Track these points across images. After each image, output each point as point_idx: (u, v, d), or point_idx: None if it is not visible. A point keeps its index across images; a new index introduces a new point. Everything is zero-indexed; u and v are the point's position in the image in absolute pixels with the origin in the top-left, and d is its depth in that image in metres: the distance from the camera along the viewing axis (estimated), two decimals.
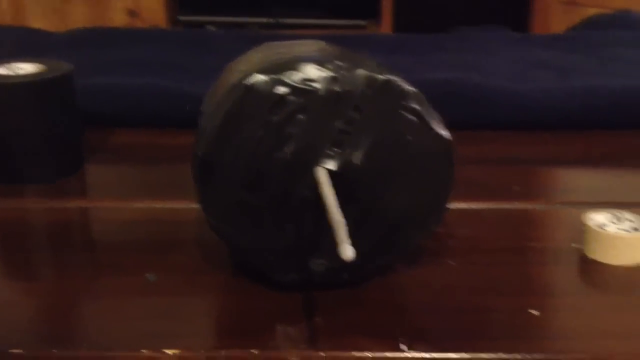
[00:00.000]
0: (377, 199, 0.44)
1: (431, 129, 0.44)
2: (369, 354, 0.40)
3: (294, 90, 0.42)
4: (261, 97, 0.42)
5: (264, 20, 1.99)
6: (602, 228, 0.50)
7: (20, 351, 0.40)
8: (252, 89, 0.42)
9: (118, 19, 1.96)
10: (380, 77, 0.43)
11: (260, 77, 0.42)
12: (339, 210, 0.39)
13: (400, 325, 0.43)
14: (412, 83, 0.44)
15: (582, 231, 0.51)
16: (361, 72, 0.43)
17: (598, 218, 0.51)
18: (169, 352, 0.40)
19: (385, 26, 1.96)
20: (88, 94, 0.72)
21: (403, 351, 0.40)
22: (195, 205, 0.46)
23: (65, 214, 0.58)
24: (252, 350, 0.40)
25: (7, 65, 0.63)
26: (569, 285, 0.48)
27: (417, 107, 0.43)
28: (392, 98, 0.43)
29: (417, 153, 0.44)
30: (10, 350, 0.40)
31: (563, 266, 0.50)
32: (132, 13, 1.93)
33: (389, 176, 0.43)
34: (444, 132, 0.44)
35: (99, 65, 0.85)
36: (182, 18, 2.00)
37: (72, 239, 0.55)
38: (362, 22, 2.02)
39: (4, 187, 0.61)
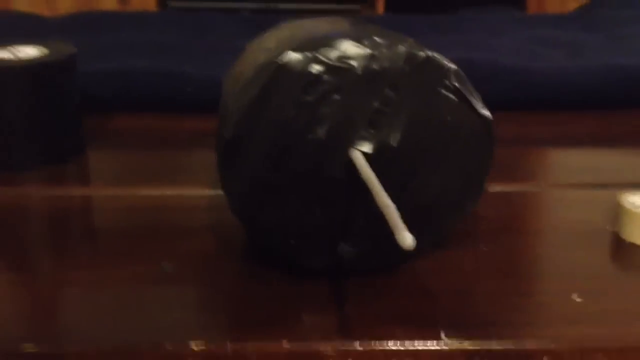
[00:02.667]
0: (413, 180, 0.41)
1: (472, 108, 0.41)
2: (407, 344, 0.38)
3: (330, 68, 0.39)
4: (294, 75, 0.39)
5: (256, 5, 1.95)
6: (639, 209, 0.48)
7: (32, 345, 0.38)
8: (285, 67, 0.39)
9: (108, 5, 1.92)
10: (421, 53, 0.40)
11: (293, 55, 0.39)
12: (386, 194, 0.36)
13: (435, 312, 0.40)
14: None
15: (617, 213, 0.48)
16: (401, 48, 0.40)
17: (635, 199, 0.49)
18: (194, 345, 0.38)
19: (380, 10, 1.93)
20: (87, 78, 0.69)
21: (443, 340, 0.38)
22: (205, 191, 0.43)
23: (68, 202, 0.55)
24: (283, 342, 0.38)
25: (8, 48, 0.60)
26: (606, 269, 0.46)
27: (457, 85, 0.41)
28: (432, 76, 0.40)
29: (457, 133, 0.41)
30: (19, 345, 0.38)
31: (598, 249, 0.47)
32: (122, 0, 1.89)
33: (426, 157, 0.41)
34: (485, 112, 0.42)
35: (95, 49, 0.82)
36: (173, 4, 1.96)
37: (77, 227, 0.52)
38: (355, 7, 1.99)
39: (4, 173, 0.58)
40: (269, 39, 0.44)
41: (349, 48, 0.40)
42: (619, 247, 0.47)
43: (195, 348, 0.38)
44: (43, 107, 0.58)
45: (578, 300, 0.41)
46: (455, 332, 0.38)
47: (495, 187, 0.55)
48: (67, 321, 0.40)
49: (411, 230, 0.42)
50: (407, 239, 0.33)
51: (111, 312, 0.41)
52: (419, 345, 0.38)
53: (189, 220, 0.51)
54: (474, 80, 0.70)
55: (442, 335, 0.38)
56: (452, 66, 0.41)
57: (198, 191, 0.54)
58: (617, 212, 0.48)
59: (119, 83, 0.72)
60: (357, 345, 0.38)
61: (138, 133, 0.68)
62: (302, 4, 1.95)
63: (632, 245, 0.47)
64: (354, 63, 0.39)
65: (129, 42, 0.84)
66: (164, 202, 0.54)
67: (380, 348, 0.38)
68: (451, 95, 0.41)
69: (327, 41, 0.40)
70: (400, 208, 0.41)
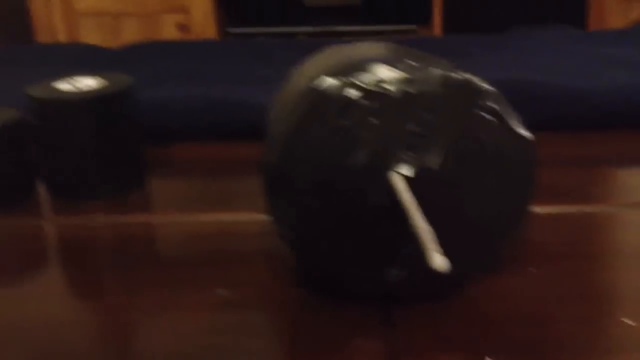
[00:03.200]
0: (456, 204, 0.41)
1: (511, 129, 0.41)
2: None
3: (366, 93, 0.40)
4: (332, 101, 0.40)
5: (312, 29, 1.97)
6: None
7: None
8: (322, 93, 0.40)
9: (169, 33, 1.97)
10: (456, 76, 0.41)
11: (330, 81, 0.40)
12: (422, 217, 0.36)
13: (485, 338, 0.40)
14: None
15: None
16: (435, 71, 0.40)
17: None
18: None
19: (437, 30, 1.93)
20: (148, 108, 0.72)
21: None
22: (260, 217, 0.44)
23: (130, 229, 0.57)
24: None
25: (69, 80, 0.63)
26: None
27: (495, 106, 0.41)
28: (468, 98, 0.41)
29: (497, 155, 0.41)
30: None
31: None
32: (182, 27, 1.94)
33: (468, 180, 0.41)
34: (525, 133, 0.41)
35: (154, 78, 0.84)
36: (232, 30, 2.00)
37: (137, 254, 0.53)
38: (412, 27, 2.00)
39: (69, 203, 0.60)
40: (310, 66, 0.45)
41: (384, 72, 0.40)
42: None
43: None
44: (102, 137, 0.60)
45: (632, 324, 0.41)
46: (502, 358, 0.38)
47: (539, 209, 0.54)
48: (123, 345, 0.42)
49: (457, 255, 0.42)
50: (438, 261, 0.33)
51: (165, 337, 0.42)
52: None
53: (244, 246, 0.52)
54: (523, 100, 0.70)
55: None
56: (489, 88, 0.41)
57: (253, 216, 0.55)
58: None
59: (180, 113, 0.74)
60: None
61: (197, 161, 0.70)
62: (357, 27, 1.96)
63: None
64: (389, 87, 0.40)
65: (187, 71, 0.87)
66: (220, 227, 0.56)
67: None
68: (489, 117, 0.41)
69: (362, 66, 0.41)
70: (447, 232, 0.41)
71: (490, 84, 0.42)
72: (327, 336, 0.41)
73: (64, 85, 0.62)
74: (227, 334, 0.42)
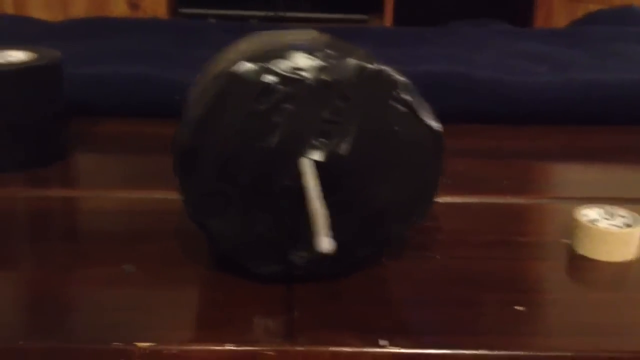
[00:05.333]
0: (361, 189, 0.43)
1: (421, 120, 0.42)
2: (347, 349, 0.39)
3: (282, 78, 0.41)
4: (247, 85, 0.41)
5: (265, 14, 1.97)
6: (593, 224, 0.48)
7: None
8: (237, 76, 0.41)
9: (119, 10, 1.94)
10: (371, 66, 0.42)
11: (247, 65, 0.41)
12: (321, 201, 0.37)
13: (381, 319, 0.42)
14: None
15: (572, 226, 0.49)
16: (351, 61, 0.41)
17: (590, 213, 0.50)
18: (141, 345, 0.39)
19: (387, 21, 1.94)
20: (76, 83, 0.71)
21: (382, 346, 0.39)
22: (178, 196, 0.45)
23: (46, 203, 0.57)
24: (227, 345, 0.39)
25: None
26: (556, 281, 0.47)
27: (407, 97, 0.42)
28: (381, 88, 0.42)
29: (406, 144, 0.42)
30: None
31: (551, 261, 0.48)
32: (133, 5, 1.92)
33: (375, 167, 0.42)
34: (434, 124, 0.43)
35: (92, 54, 0.84)
36: (183, 10, 1.99)
37: (51, 228, 0.53)
38: (364, 17, 2.01)
39: None
40: (232, 50, 0.46)
41: (301, 60, 0.41)
42: (572, 259, 0.48)
43: (142, 347, 0.39)
44: (26, 109, 0.60)
45: (522, 310, 0.42)
46: (398, 339, 0.40)
47: (451, 198, 0.56)
48: (21, 318, 0.42)
49: (359, 237, 0.43)
50: (324, 243, 0.34)
51: (66, 311, 0.42)
52: (358, 351, 0.39)
53: (158, 224, 0.53)
54: (451, 92, 0.71)
55: (384, 342, 0.39)
56: (402, 79, 0.42)
57: (171, 195, 0.55)
58: (572, 226, 0.49)
59: (108, 90, 0.74)
60: (300, 349, 0.39)
61: (122, 138, 0.70)
62: (308, 13, 1.97)
63: (583, 257, 0.48)
64: (305, 74, 0.41)
65: (126, 49, 0.86)
66: (138, 205, 0.56)
67: (322, 352, 0.39)
68: (400, 107, 0.42)
69: (281, 52, 0.41)
70: (350, 216, 0.43)
71: (408, 75, 0.43)
72: (228, 315, 0.42)
73: None
74: (129, 310, 0.42)
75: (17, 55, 0.62)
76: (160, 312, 0.42)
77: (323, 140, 0.42)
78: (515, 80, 0.73)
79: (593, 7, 1.23)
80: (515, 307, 0.43)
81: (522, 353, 0.39)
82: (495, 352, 0.39)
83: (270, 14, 1.98)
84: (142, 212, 0.55)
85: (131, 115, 0.73)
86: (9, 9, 1.92)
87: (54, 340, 0.40)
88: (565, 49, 0.87)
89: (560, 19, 1.83)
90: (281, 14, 1.98)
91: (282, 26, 1.28)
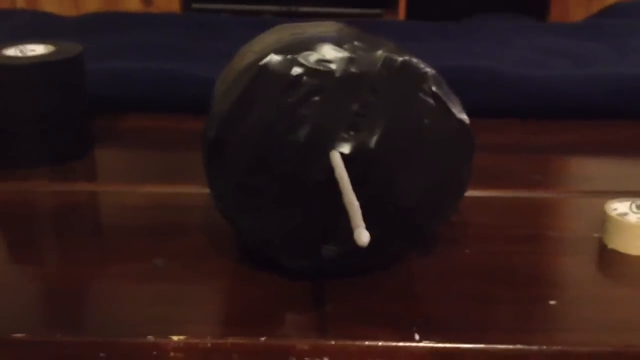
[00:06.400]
0: (392, 183, 0.42)
1: (450, 113, 0.42)
2: (380, 343, 0.39)
3: (310, 71, 0.40)
4: (275, 77, 0.40)
5: (278, 8, 1.97)
6: (623, 217, 0.48)
7: (23, 335, 0.39)
8: (266, 69, 0.40)
9: (132, 6, 1.94)
10: (399, 58, 0.41)
11: (275, 58, 0.41)
12: (354, 194, 0.37)
13: (412, 314, 0.41)
14: None
15: (603, 220, 0.49)
16: (379, 53, 0.41)
17: (620, 207, 0.49)
18: (175, 338, 0.39)
19: (402, 15, 1.94)
20: (98, 78, 0.71)
21: (416, 341, 0.39)
22: (204, 190, 0.44)
23: (73, 198, 0.57)
24: (260, 338, 0.39)
25: (18, 47, 0.62)
26: (587, 275, 0.46)
27: (435, 90, 0.42)
28: (409, 80, 0.41)
29: (435, 137, 0.42)
30: (13, 335, 0.39)
31: (582, 256, 0.48)
32: (146, 0, 1.92)
33: (405, 160, 0.42)
34: (464, 117, 0.42)
35: (109, 49, 0.84)
36: (196, 5, 1.99)
37: (79, 222, 0.53)
38: (377, 11, 2.00)
39: (10, 170, 0.60)
40: (258, 42, 0.46)
41: (329, 52, 0.41)
42: (603, 254, 0.48)
43: (176, 340, 0.39)
44: (50, 104, 0.60)
45: (553, 304, 0.42)
46: (429, 334, 0.39)
47: (481, 192, 0.56)
48: (56, 312, 0.42)
49: (390, 232, 0.43)
50: (362, 236, 0.34)
51: (100, 305, 0.42)
52: (392, 345, 0.39)
53: (186, 218, 0.53)
54: (475, 87, 0.71)
55: (416, 336, 0.39)
56: (430, 70, 0.42)
57: (198, 189, 0.55)
58: (603, 220, 0.49)
59: (129, 84, 0.74)
60: (333, 343, 0.39)
61: (145, 133, 0.70)
62: (321, 8, 1.96)
63: (614, 251, 0.48)
64: (333, 66, 0.41)
65: (143, 44, 0.86)
66: (164, 199, 0.56)
67: (355, 347, 0.39)
68: (429, 99, 0.42)
69: (309, 45, 0.41)
70: (380, 210, 0.43)
71: (435, 68, 0.43)
72: (260, 309, 0.42)
73: (11, 51, 0.61)
74: (161, 304, 0.42)
75: (37, 49, 0.62)
76: (192, 306, 0.42)
77: (352, 133, 0.41)
78: (540, 75, 0.73)
79: (610, 1, 1.23)
80: (549, 302, 0.42)
81: (555, 348, 0.39)
82: (528, 347, 0.39)
83: (284, 8, 1.98)
84: (168, 206, 0.55)
85: (152, 111, 0.73)
86: (21, 3, 1.92)
87: (89, 334, 0.40)
88: (586, 43, 0.86)
89: (578, 14, 1.82)
90: (294, 8, 1.98)
91: (295, 21, 1.28)
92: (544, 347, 0.39)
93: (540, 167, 0.63)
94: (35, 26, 0.98)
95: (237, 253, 0.47)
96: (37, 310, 0.42)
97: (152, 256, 0.47)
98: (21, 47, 0.62)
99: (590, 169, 0.64)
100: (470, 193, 0.46)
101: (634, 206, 0.50)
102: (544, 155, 0.65)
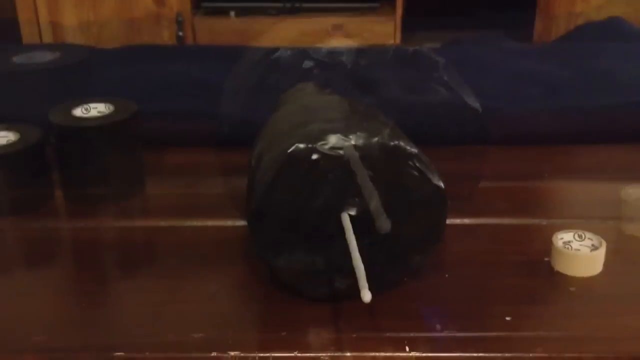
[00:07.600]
0: (388, 233, 0.57)
1: (430, 181, 0.57)
2: (384, 354, 0.54)
3: (325, 156, 0.56)
4: (299, 162, 0.55)
5: (282, 5, 2.09)
6: (567, 246, 0.63)
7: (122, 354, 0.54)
8: (292, 156, 0.55)
9: (144, 6, 2.06)
10: (391, 143, 0.56)
11: (299, 147, 0.56)
12: (360, 258, 0.52)
13: (407, 329, 0.56)
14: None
15: (551, 248, 0.64)
16: (376, 140, 0.56)
17: (565, 236, 0.64)
18: (232, 353, 0.54)
19: (399, 10, 2.05)
20: (147, 119, 0.85)
21: (406, 352, 0.54)
22: (240, 223, 0.59)
23: (130, 233, 0.71)
24: (295, 352, 0.54)
25: (82, 105, 0.77)
26: (539, 294, 0.61)
27: (419, 165, 0.57)
28: (399, 159, 0.56)
29: (419, 200, 0.57)
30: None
31: (536, 278, 0.63)
32: (158, 2, 2.04)
33: (397, 216, 0.57)
34: (440, 183, 0.57)
35: (152, 87, 0.97)
36: (205, 4, 2.11)
37: (136, 255, 0.68)
38: (374, 5, 2.12)
39: (81, 209, 0.75)
40: (283, 122, 0.61)
41: (339, 141, 0.56)
42: (551, 275, 0.63)
43: (232, 355, 0.54)
44: (111, 155, 0.75)
45: (507, 319, 0.57)
46: (422, 345, 0.54)
47: (456, 220, 0.71)
48: (145, 332, 0.57)
49: (389, 266, 0.58)
50: (366, 296, 0.49)
51: (169, 326, 0.57)
52: (390, 356, 0.54)
53: (226, 250, 0.67)
54: (456, 122, 0.85)
55: (407, 349, 0.54)
56: (414, 150, 0.57)
57: (234, 222, 0.70)
58: (551, 248, 0.64)
59: (170, 123, 0.88)
60: (348, 354, 0.54)
61: (185, 168, 0.84)
62: (324, 3, 2.08)
63: (560, 273, 0.63)
64: (341, 152, 0.56)
65: (183, 79, 0.99)
66: (207, 233, 0.71)
67: (367, 357, 0.54)
68: (414, 172, 0.57)
69: (323, 136, 0.56)
70: (379, 251, 0.57)
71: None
72: (290, 326, 0.57)
73: (78, 111, 0.76)
74: (216, 326, 0.57)
75: (97, 107, 0.77)
76: (239, 326, 0.57)
77: (357, 199, 0.56)
78: (514, 109, 0.86)
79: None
80: (506, 318, 0.57)
81: (513, 355, 0.54)
82: (499, 355, 0.54)
83: (288, 5, 2.10)
84: (211, 240, 0.69)
85: (192, 145, 0.87)
86: (43, 10, 2.05)
87: (172, 351, 0.55)
88: (557, 70, 0.99)
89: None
90: (297, 4, 2.10)
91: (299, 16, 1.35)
92: (507, 354, 0.54)
93: (505, 195, 0.77)
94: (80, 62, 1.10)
95: (269, 281, 0.62)
96: (127, 329, 0.57)
97: (205, 284, 0.62)
98: (84, 106, 0.77)
99: (553, 196, 0.78)
100: (449, 220, 0.61)
101: (576, 236, 0.64)
102: (508, 183, 0.79)
